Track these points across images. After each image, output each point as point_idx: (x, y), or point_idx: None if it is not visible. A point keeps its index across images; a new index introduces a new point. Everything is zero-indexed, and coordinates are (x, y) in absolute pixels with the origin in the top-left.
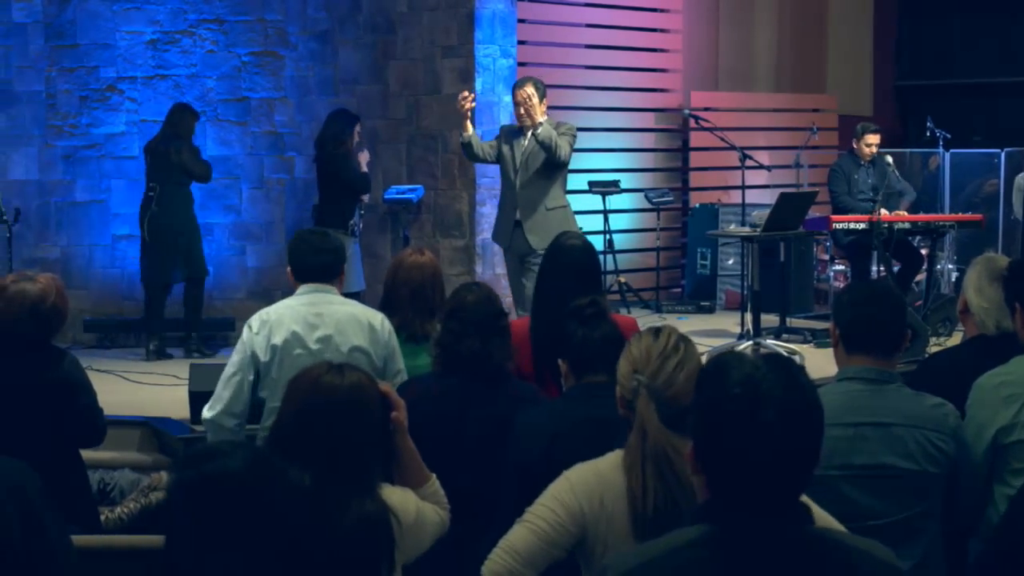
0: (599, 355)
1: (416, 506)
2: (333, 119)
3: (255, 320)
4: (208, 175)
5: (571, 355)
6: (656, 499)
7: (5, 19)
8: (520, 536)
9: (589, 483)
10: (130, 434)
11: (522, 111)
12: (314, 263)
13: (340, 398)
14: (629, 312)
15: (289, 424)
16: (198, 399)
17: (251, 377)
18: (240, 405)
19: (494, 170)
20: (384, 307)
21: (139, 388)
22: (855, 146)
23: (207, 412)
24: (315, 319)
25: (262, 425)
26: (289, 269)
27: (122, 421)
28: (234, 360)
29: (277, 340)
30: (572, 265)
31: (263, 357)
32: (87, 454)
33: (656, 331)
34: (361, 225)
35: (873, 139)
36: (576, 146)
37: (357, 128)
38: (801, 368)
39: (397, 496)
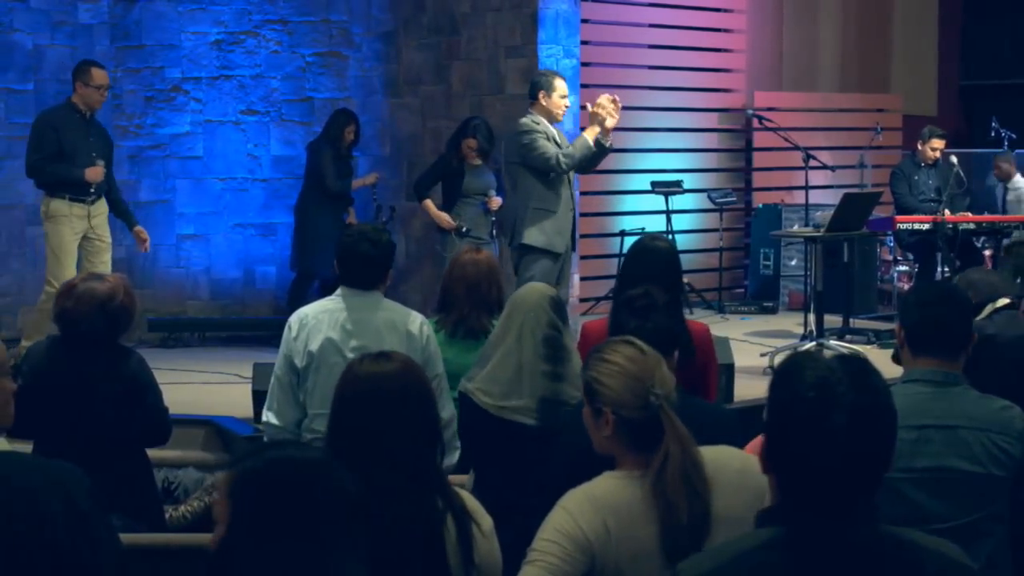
0: (651, 346)
1: (491, 523)
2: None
3: (295, 321)
4: (331, 182)
5: None
6: (691, 510)
7: (72, 20)
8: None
9: (586, 509)
10: (194, 433)
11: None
12: (357, 270)
13: (373, 386)
14: (692, 312)
15: (334, 420)
16: (262, 397)
17: (294, 379)
18: (293, 406)
19: None
20: (442, 304)
21: (203, 387)
22: (919, 148)
23: (266, 414)
24: (352, 326)
25: (305, 428)
26: (336, 264)
27: (186, 420)
28: (279, 362)
29: (313, 346)
30: (658, 266)
31: (299, 363)
32: (152, 453)
33: (629, 342)
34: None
35: (939, 143)
36: (639, 146)
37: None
38: (875, 370)
39: (477, 504)
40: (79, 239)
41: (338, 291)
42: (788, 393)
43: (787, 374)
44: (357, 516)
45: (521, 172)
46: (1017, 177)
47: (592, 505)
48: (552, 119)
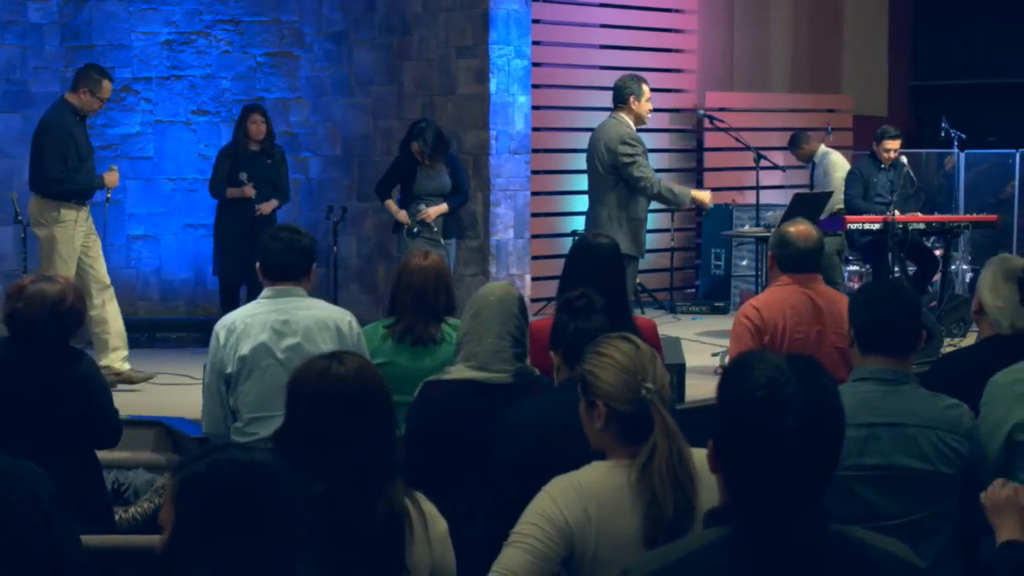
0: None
1: (446, 527)
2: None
3: (222, 330)
4: (210, 186)
5: (563, 347)
6: (676, 504)
7: (21, 20)
8: (514, 557)
9: (569, 495)
10: (144, 434)
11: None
12: (281, 262)
13: (336, 387)
14: (643, 312)
15: (291, 422)
16: None
17: (223, 388)
18: (222, 413)
19: (508, 170)
20: (390, 310)
21: (153, 388)
22: (874, 149)
23: (203, 426)
24: (282, 327)
25: (239, 432)
26: (258, 266)
27: (137, 421)
28: (207, 372)
29: (244, 351)
30: (600, 263)
31: (230, 368)
32: (102, 454)
33: (626, 338)
34: (421, 225)
35: (892, 144)
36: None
37: None
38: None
39: (432, 507)
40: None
41: (263, 293)
42: (737, 393)
43: (736, 374)
44: (302, 517)
45: (615, 180)
46: (821, 149)
47: (576, 492)
48: (639, 122)
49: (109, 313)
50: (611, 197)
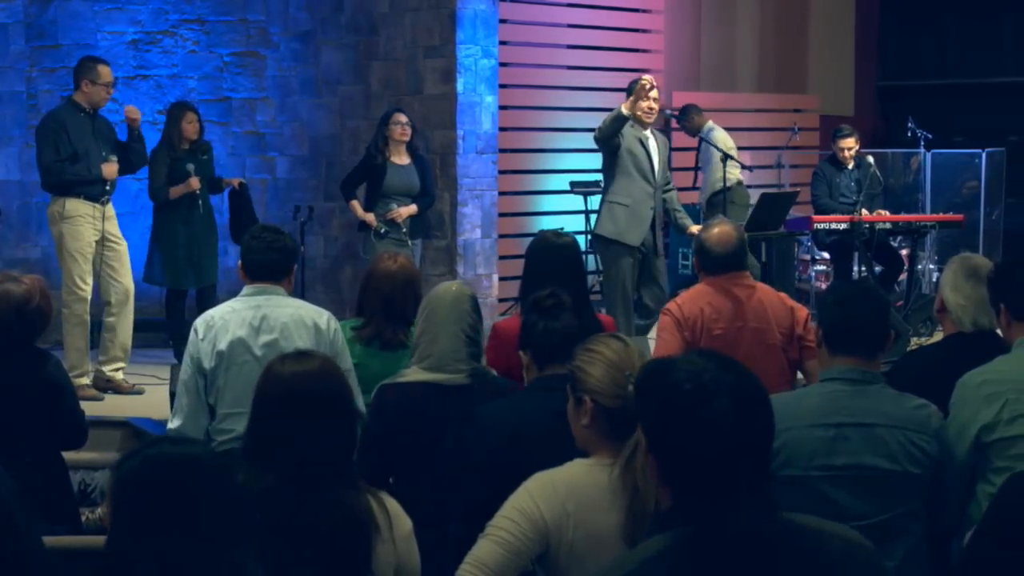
0: (562, 346)
1: (410, 526)
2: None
3: (201, 324)
4: (152, 191)
5: (532, 347)
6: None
7: None
8: (486, 550)
9: (547, 491)
10: (111, 435)
11: (656, 107)
12: (261, 261)
13: (298, 385)
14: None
15: (256, 420)
16: None
17: (202, 383)
18: (200, 410)
19: (476, 170)
20: (358, 313)
21: None
22: (833, 150)
23: (173, 423)
24: (260, 323)
25: (214, 429)
26: (240, 265)
27: (103, 422)
28: (185, 367)
29: (222, 346)
30: (562, 263)
31: (208, 364)
32: (68, 455)
33: (616, 337)
34: (389, 225)
35: (846, 143)
36: (558, 146)
37: None
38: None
39: (397, 506)
40: (94, 242)
41: (243, 291)
42: (665, 392)
43: (658, 374)
44: (245, 511)
45: (608, 165)
46: (708, 124)
47: (555, 488)
48: (639, 122)
49: (120, 323)
50: (604, 183)
